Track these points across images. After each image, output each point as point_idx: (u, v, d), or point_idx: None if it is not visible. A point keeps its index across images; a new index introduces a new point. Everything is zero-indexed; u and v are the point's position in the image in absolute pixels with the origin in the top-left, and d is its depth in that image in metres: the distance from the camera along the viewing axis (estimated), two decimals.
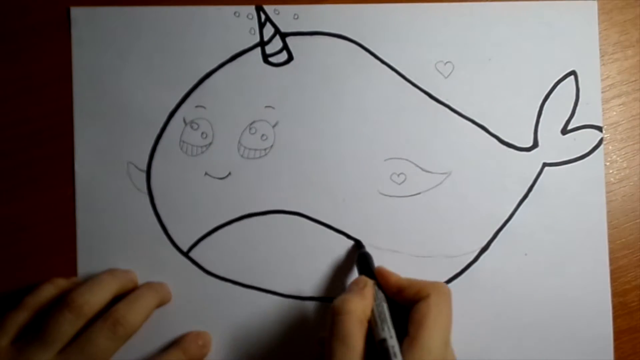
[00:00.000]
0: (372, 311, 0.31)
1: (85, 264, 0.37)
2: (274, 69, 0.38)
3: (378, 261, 0.36)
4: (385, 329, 0.30)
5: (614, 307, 0.38)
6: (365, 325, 0.31)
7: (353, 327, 0.30)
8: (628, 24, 0.40)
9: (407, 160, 0.38)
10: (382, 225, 0.38)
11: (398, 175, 0.38)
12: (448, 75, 0.39)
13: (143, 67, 0.38)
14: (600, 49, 0.39)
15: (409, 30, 0.38)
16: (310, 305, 0.38)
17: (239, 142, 0.38)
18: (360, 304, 0.31)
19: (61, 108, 0.37)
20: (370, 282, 0.33)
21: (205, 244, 0.38)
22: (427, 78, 0.38)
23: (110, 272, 0.36)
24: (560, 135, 0.39)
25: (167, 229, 0.37)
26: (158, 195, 0.38)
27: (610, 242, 0.39)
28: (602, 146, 0.39)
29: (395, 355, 0.29)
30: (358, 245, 0.37)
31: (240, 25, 0.38)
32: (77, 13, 0.37)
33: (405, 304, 0.32)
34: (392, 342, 0.29)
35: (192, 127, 0.38)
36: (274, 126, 0.38)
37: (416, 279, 0.33)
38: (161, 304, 0.36)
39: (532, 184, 0.39)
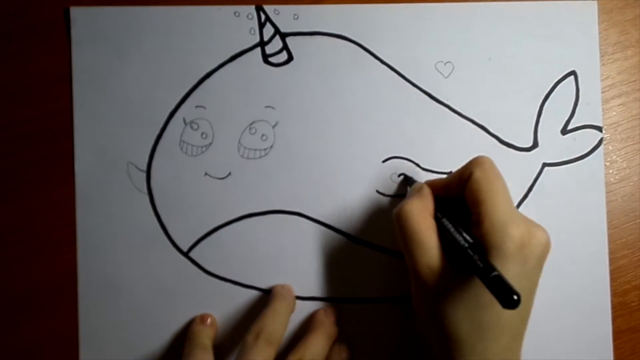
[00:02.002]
0: (437, 214, 0.31)
1: (85, 264, 0.37)
2: (274, 69, 0.38)
3: (378, 261, 0.36)
4: (453, 228, 0.30)
5: (614, 307, 0.38)
6: (431, 221, 0.31)
7: (419, 224, 0.30)
8: (628, 24, 0.40)
9: (407, 160, 0.38)
10: (382, 225, 0.38)
11: (398, 176, 0.38)
12: (448, 75, 0.39)
13: (143, 67, 0.38)
14: (600, 49, 0.39)
15: (409, 30, 0.38)
16: (311, 305, 0.38)
17: (239, 142, 0.38)
18: (420, 203, 0.32)
19: (61, 108, 0.37)
20: (424, 184, 0.33)
21: (205, 244, 0.38)
22: (427, 78, 0.38)
23: (281, 298, 0.36)
24: (560, 135, 0.39)
25: (167, 229, 0.37)
26: (158, 195, 0.38)
27: (610, 242, 0.39)
28: (602, 146, 0.39)
29: (472, 254, 0.28)
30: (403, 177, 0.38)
31: (240, 25, 0.38)
32: (77, 13, 0.37)
33: (458, 196, 0.32)
34: (463, 239, 0.29)
35: (192, 127, 0.38)
36: (274, 126, 0.38)
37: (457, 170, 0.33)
38: (292, 311, 0.37)
39: (532, 184, 0.39)
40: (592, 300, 0.38)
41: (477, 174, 0.31)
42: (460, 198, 0.32)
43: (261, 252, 0.38)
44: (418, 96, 0.38)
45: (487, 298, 0.28)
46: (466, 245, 0.29)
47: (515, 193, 0.38)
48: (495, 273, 0.26)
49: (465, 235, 0.30)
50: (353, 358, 0.37)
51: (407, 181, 0.37)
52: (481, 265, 0.28)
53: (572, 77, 0.39)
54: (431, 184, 0.34)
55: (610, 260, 0.39)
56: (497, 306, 0.27)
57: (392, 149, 0.38)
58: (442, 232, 0.31)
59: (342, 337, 0.37)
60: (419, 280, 0.30)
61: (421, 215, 0.31)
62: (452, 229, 0.30)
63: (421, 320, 0.32)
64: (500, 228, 0.29)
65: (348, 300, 0.38)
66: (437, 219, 0.32)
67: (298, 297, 0.37)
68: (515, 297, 0.25)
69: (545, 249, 0.31)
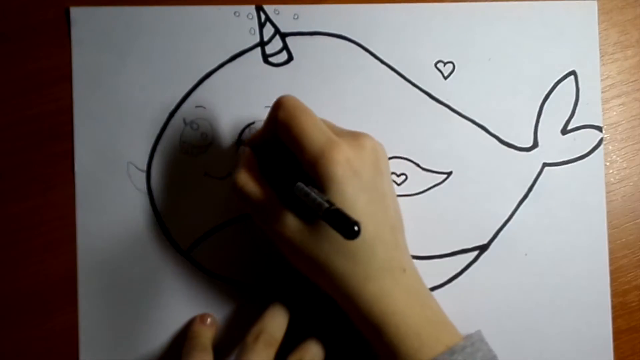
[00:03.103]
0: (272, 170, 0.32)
1: (85, 264, 0.37)
2: (274, 69, 0.38)
3: None
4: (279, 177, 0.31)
5: (614, 307, 0.38)
6: (263, 182, 0.31)
7: (256, 193, 0.31)
8: (628, 24, 0.40)
9: (407, 160, 0.38)
10: None
11: (398, 175, 0.38)
12: (448, 75, 0.39)
13: (143, 67, 0.38)
14: (600, 49, 0.39)
15: (409, 30, 0.38)
16: (310, 305, 0.37)
17: (239, 142, 0.38)
18: (246, 169, 0.32)
19: (61, 108, 0.37)
20: (245, 147, 0.34)
21: (205, 244, 0.38)
22: (427, 78, 0.38)
23: (279, 304, 0.35)
24: (560, 135, 0.39)
25: (167, 229, 0.37)
26: (158, 195, 0.38)
27: (610, 242, 0.39)
28: (602, 146, 0.39)
29: (302, 195, 0.28)
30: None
31: (240, 25, 0.38)
32: (77, 13, 0.37)
33: (278, 142, 0.32)
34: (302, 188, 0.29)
35: (192, 127, 0.38)
36: None
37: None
38: (290, 315, 0.36)
39: (532, 184, 0.39)
40: (592, 300, 0.38)
41: (281, 115, 0.30)
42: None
43: (261, 252, 0.38)
44: (418, 96, 0.38)
45: None
46: (298, 188, 0.29)
47: (515, 193, 0.39)
48: (326, 206, 0.26)
49: (298, 183, 0.29)
50: (353, 357, 0.37)
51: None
52: (311, 203, 0.27)
53: (572, 77, 0.39)
54: (252, 140, 0.34)
55: (610, 260, 0.39)
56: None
57: (392, 149, 0.38)
58: (281, 185, 0.31)
59: (342, 337, 0.37)
60: (279, 239, 0.31)
61: (252, 183, 0.31)
62: (278, 178, 0.31)
63: (296, 265, 0.33)
64: (320, 157, 0.29)
65: None
66: (270, 170, 0.32)
67: (298, 297, 0.37)
68: (355, 228, 0.25)
69: (375, 153, 0.31)
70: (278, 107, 0.31)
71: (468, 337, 0.31)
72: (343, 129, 0.33)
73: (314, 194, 0.28)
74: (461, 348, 0.30)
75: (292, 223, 0.30)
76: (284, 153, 0.32)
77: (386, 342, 0.30)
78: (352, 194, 0.29)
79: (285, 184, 0.30)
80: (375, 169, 0.31)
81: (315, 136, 0.30)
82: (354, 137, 0.31)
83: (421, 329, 0.30)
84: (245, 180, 0.31)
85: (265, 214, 0.31)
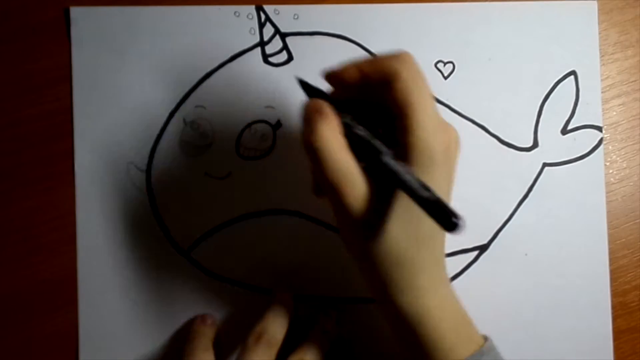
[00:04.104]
0: (346, 126, 0.28)
1: (85, 264, 0.37)
2: (274, 69, 0.38)
3: None
4: (368, 138, 0.27)
5: (614, 307, 0.38)
6: (344, 145, 0.27)
7: (337, 157, 0.27)
8: (628, 24, 0.40)
9: None
10: None
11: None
12: (448, 75, 0.39)
13: (143, 67, 0.38)
14: (600, 49, 0.39)
15: (409, 30, 0.38)
16: (310, 305, 0.37)
17: (239, 142, 0.38)
18: (328, 128, 0.27)
19: (61, 108, 0.37)
20: (322, 102, 0.28)
21: (205, 244, 0.38)
22: (427, 78, 0.38)
23: (281, 300, 0.35)
24: (560, 135, 0.39)
25: (167, 229, 0.37)
26: (158, 195, 0.38)
27: (610, 242, 0.39)
28: (602, 146, 0.39)
29: (392, 162, 0.26)
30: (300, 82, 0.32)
31: (240, 25, 0.38)
32: (77, 13, 0.37)
33: (377, 97, 0.28)
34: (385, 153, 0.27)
35: (192, 127, 0.38)
36: (274, 126, 0.38)
37: (374, 58, 0.28)
38: (292, 313, 0.36)
39: (532, 184, 0.39)
40: (592, 300, 0.38)
41: (405, 74, 0.27)
42: (370, 98, 0.29)
43: (261, 252, 0.38)
44: None
45: (416, 211, 0.26)
46: (392, 164, 0.26)
47: (515, 193, 0.39)
48: (433, 197, 0.25)
49: (383, 148, 0.27)
50: (353, 358, 0.37)
51: (303, 86, 0.31)
52: (416, 188, 0.25)
53: (572, 77, 0.39)
54: (337, 77, 0.29)
55: (610, 260, 0.39)
56: (426, 216, 0.25)
57: None
58: (355, 146, 0.28)
59: (342, 337, 0.37)
60: (348, 215, 0.28)
61: (336, 144, 0.27)
62: (373, 142, 0.27)
63: (352, 248, 0.30)
64: (431, 134, 0.27)
65: (348, 301, 0.38)
66: (350, 133, 0.28)
67: (298, 298, 0.37)
68: (458, 221, 0.23)
69: (459, 147, 0.30)
70: (402, 62, 0.27)
71: (488, 342, 0.31)
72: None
73: (416, 179, 0.26)
74: (489, 349, 0.30)
75: (365, 194, 0.27)
76: (367, 113, 0.28)
77: (422, 335, 0.29)
78: (440, 180, 0.27)
79: (366, 154, 0.27)
80: (456, 162, 0.29)
81: (430, 111, 0.27)
82: (447, 124, 0.29)
83: (459, 327, 0.30)
84: (329, 140, 0.27)
85: (342, 184, 0.27)
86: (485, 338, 0.31)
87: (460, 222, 0.24)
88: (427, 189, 0.25)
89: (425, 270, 0.29)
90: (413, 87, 0.27)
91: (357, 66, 0.28)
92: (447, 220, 0.24)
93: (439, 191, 0.26)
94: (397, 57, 0.28)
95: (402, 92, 0.27)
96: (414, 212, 0.26)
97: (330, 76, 0.29)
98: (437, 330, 0.29)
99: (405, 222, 0.28)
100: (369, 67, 0.28)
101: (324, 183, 0.28)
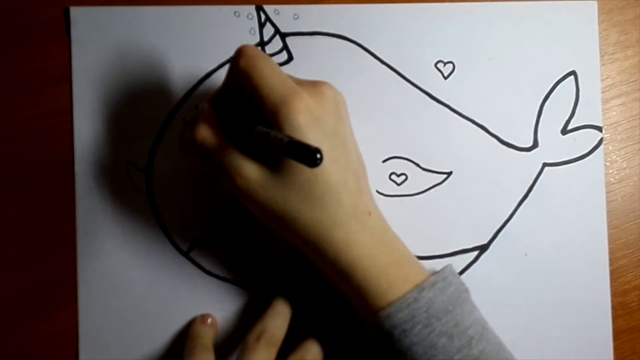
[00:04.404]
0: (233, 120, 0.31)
1: (85, 264, 0.37)
2: None
3: None
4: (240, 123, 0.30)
5: (614, 307, 0.38)
6: (222, 136, 0.31)
7: (215, 146, 0.30)
8: (628, 24, 0.40)
9: (407, 160, 0.38)
10: None
11: (398, 175, 0.38)
12: (448, 75, 0.39)
13: (143, 67, 0.38)
14: (600, 49, 0.39)
15: (409, 30, 0.38)
16: (311, 304, 0.37)
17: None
18: (205, 123, 0.31)
19: (61, 108, 0.37)
20: (203, 102, 0.33)
21: (205, 244, 0.38)
22: (427, 78, 0.38)
23: (282, 300, 0.36)
24: (560, 135, 0.39)
25: (167, 229, 0.37)
26: (158, 195, 0.38)
27: (610, 242, 0.39)
28: (602, 146, 0.39)
29: (262, 133, 0.28)
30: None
31: (240, 25, 0.38)
32: (77, 13, 0.37)
33: (240, 93, 0.31)
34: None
35: (192, 127, 0.38)
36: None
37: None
38: (291, 314, 0.36)
39: (532, 184, 0.39)
40: (592, 300, 0.38)
41: (242, 63, 0.30)
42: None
43: (261, 252, 0.38)
44: (418, 96, 0.38)
45: (307, 173, 0.29)
46: (258, 130, 0.29)
47: (515, 193, 0.39)
48: (287, 139, 0.26)
49: (258, 126, 0.29)
50: (353, 357, 0.37)
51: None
52: (272, 140, 0.27)
53: (572, 77, 0.39)
54: (213, 96, 0.33)
55: (610, 260, 0.39)
56: (320, 175, 0.29)
57: (392, 149, 0.38)
58: (243, 136, 0.30)
59: (342, 336, 0.37)
60: (244, 194, 0.30)
61: (212, 137, 0.31)
62: (240, 132, 0.30)
63: (263, 220, 0.32)
64: (281, 106, 0.29)
65: (348, 300, 0.38)
66: (229, 124, 0.31)
67: (298, 297, 0.37)
68: (317, 155, 0.24)
69: (335, 101, 0.31)
70: (239, 55, 0.30)
71: (440, 272, 0.32)
72: (303, 79, 0.32)
73: (274, 132, 0.28)
74: (431, 284, 0.31)
75: (255, 173, 0.30)
76: (246, 107, 0.31)
77: (355, 285, 0.31)
78: (314, 141, 0.29)
79: (247, 135, 0.30)
80: (336, 116, 0.31)
81: (276, 84, 0.29)
82: (315, 85, 0.31)
83: (389, 269, 0.31)
84: (205, 134, 0.31)
85: (228, 167, 0.30)
86: (435, 273, 0.32)
87: (319, 155, 0.24)
88: (288, 137, 0.27)
89: (337, 226, 0.30)
90: (251, 71, 0.29)
91: (220, 85, 0.33)
92: (308, 156, 0.25)
93: (320, 145, 0.27)
94: (235, 52, 0.31)
95: (245, 80, 0.30)
96: (303, 177, 0.29)
97: (209, 99, 0.33)
98: (365, 279, 0.31)
99: (299, 189, 0.30)
100: (225, 78, 0.32)
101: (214, 173, 0.32)
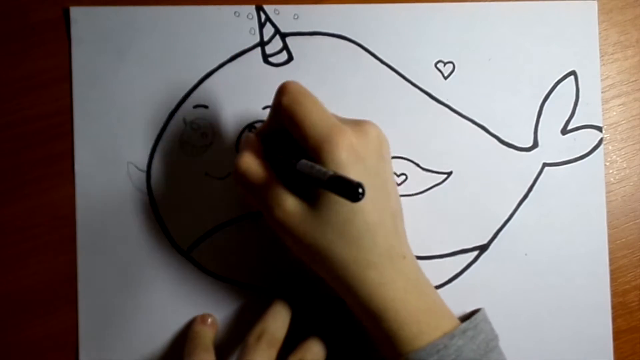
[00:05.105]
0: (276, 155, 0.31)
1: (85, 264, 0.37)
2: (274, 69, 0.38)
3: None
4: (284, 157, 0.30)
5: (614, 307, 0.38)
6: (267, 167, 0.31)
7: (259, 177, 0.30)
8: (628, 24, 0.40)
9: (407, 160, 0.38)
10: None
11: (398, 175, 0.38)
12: (448, 75, 0.39)
13: (143, 67, 0.38)
14: (600, 49, 0.39)
15: (409, 30, 0.38)
16: (311, 304, 0.37)
17: (239, 142, 0.38)
18: (250, 154, 0.31)
19: (61, 108, 0.37)
20: (248, 134, 0.33)
21: (205, 244, 0.38)
22: (427, 78, 0.38)
23: (282, 300, 0.35)
24: (560, 135, 0.39)
25: (167, 229, 0.37)
26: (158, 195, 0.38)
27: (610, 242, 0.39)
28: (602, 146, 0.39)
29: (305, 168, 0.28)
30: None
31: (240, 25, 0.38)
32: (77, 13, 0.37)
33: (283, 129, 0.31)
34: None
35: (192, 127, 0.38)
36: None
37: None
38: (291, 314, 0.36)
39: (532, 184, 0.39)
40: (592, 300, 0.38)
41: (285, 101, 0.30)
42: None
43: (261, 252, 0.38)
44: (418, 96, 0.38)
45: (346, 211, 0.29)
46: (303, 164, 0.29)
47: (515, 193, 0.39)
48: (331, 173, 0.26)
49: (299, 160, 0.29)
50: (353, 357, 0.37)
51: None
52: (315, 174, 0.27)
53: (572, 77, 0.39)
54: (260, 130, 0.34)
55: (610, 260, 0.39)
56: (359, 213, 0.29)
57: (392, 149, 0.38)
58: (285, 170, 0.31)
59: (342, 336, 0.37)
60: (282, 226, 0.30)
61: (256, 166, 0.31)
62: (283, 166, 0.30)
63: (297, 254, 0.32)
64: (325, 142, 0.29)
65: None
66: (273, 158, 0.31)
67: (299, 297, 0.37)
68: (360, 190, 0.24)
69: (378, 140, 0.31)
70: (282, 92, 0.30)
71: (472, 319, 0.32)
72: (346, 118, 0.32)
73: (317, 166, 0.28)
74: (462, 331, 0.30)
75: (295, 206, 0.30)
76: (290, 143, 0.32)
77: (385, 328, 0.30)
78: (355, 178, 0.28)
79: (289, 169, 0.30)
80: (379, 155, 0.31)
81: (319, 121, 0.29)
82: (358, 124, 0.31)
83: (420, 316, 0.30)
84: (250, 163, 0.31)
85: (269, 198, 0.30)
86: (468, 318, 0.32)
87: (361, 190, 0.24)
88: (326, 171, 0.27)
89: (372, 266, 0.30)
90: (294, 108, 0.30)
91: (265, 120, 0.34)
92: (350, 190, 0.25)
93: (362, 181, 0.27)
94: (278, 89, 0.31)
95: (288, 117, 0.30)
96: (343, 215, 0.29)
97: (257, 132, 0.34)
98: (396, 322, 0.30)
99: (338, 226, 0.29)
100: (270, 114, 0.33)
101: (255, 204, 0.32)
